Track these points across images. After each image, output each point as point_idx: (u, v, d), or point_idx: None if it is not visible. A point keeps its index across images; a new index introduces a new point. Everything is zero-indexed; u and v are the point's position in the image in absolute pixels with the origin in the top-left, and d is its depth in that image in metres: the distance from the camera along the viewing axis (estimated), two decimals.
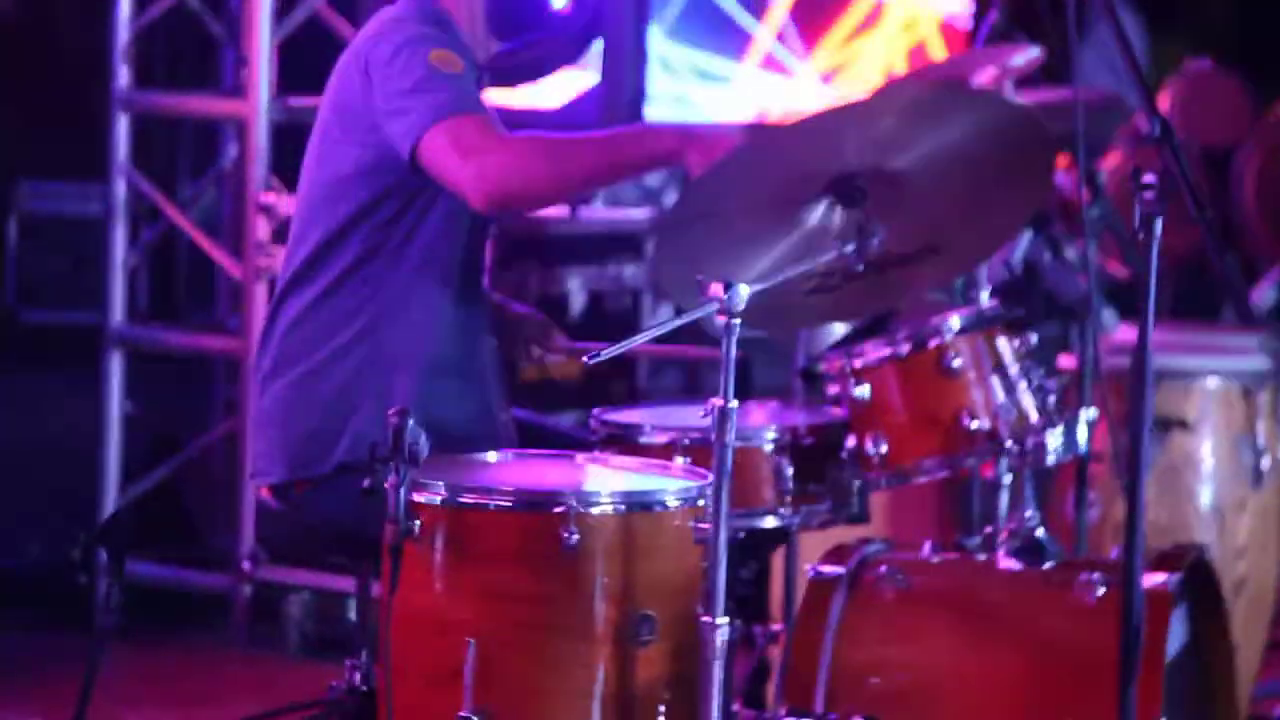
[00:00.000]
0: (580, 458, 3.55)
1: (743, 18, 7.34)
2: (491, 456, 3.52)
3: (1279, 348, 4.86)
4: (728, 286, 3.16)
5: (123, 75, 5.90)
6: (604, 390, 4.74)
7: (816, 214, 3.54)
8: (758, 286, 3.21)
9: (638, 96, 6.48)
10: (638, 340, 3.25)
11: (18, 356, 6.42)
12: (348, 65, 3.79)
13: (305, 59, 5.42)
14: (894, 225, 3.52)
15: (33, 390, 6.20)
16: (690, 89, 7.11)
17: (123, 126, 5.93)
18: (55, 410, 6.11)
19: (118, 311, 5.92)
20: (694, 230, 3.50)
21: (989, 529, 3.80)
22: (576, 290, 5.58)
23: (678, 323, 3.26)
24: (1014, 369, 3.74)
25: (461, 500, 3.21)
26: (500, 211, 3.68)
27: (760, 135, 3.61)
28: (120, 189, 5.93)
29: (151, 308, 6.57)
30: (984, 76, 4.21)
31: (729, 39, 7.34)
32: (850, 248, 3.48)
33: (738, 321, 3.17)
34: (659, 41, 6.99)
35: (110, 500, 5.86)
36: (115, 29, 5.89)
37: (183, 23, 6.22)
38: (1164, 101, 6.75)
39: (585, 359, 3.22)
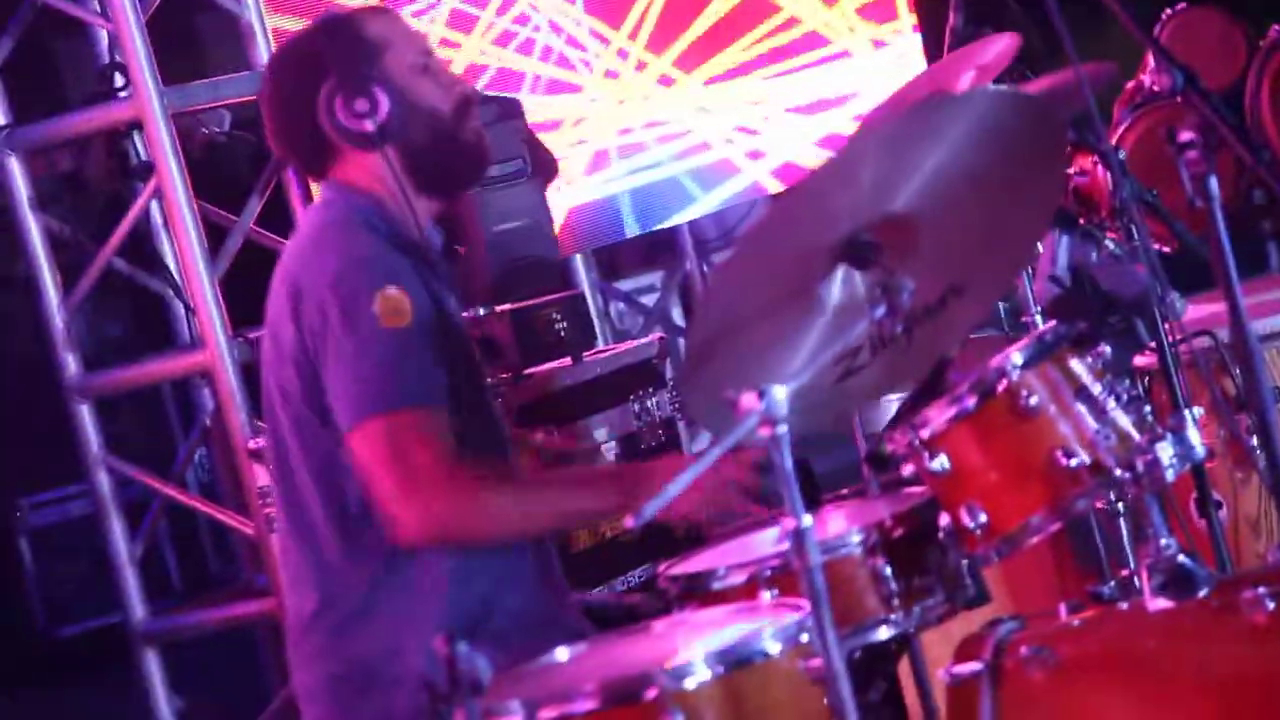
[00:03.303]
0: (659, 625, 3.17)
1: None
2: (562, 653, 3.12)
3: None
4: (761, 394, 2.77)
5: (70, 363, 5.49)
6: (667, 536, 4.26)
7: (836, 290, 3.16)
8: (791, 384, 2.81)
9: None
10: (682, 482, 2.83)
11: (53, 674, 6.08)
12: (279, 298, 3.41)
13: (251, 284, 5.03)
14: (916, 274, 3.14)
15: (75, 704, 5.83)
16: None
17: (85, 415, 5.51)
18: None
19: (138, 608, 5.50)
20: (716, 351, 3.15)
21: (1125, 571, 3.35)
22: (605, 440, 5.13)
23: (719, 450, 2.85)
24: (1097, 389, 3.28)
25: (543, 717, 2.85)
26: None
27: (742, 243, 3.23)
28: (103, 481, 5.51)
29: (184, 586, 6.17)
30: (963, 82, 3.75)
31: None
32: (881, 311, 3.09)
33: (784, 429, 2.77)
34: None
35: None
36: (49, 318, 5.49)
37: (119, 289, 5.85)
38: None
39: (629, 521, 2.81)
